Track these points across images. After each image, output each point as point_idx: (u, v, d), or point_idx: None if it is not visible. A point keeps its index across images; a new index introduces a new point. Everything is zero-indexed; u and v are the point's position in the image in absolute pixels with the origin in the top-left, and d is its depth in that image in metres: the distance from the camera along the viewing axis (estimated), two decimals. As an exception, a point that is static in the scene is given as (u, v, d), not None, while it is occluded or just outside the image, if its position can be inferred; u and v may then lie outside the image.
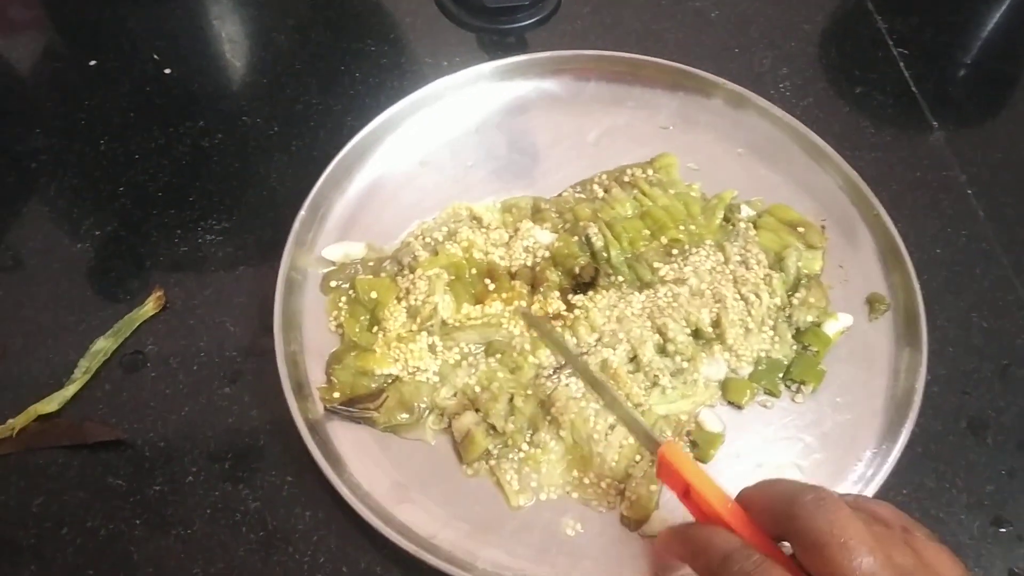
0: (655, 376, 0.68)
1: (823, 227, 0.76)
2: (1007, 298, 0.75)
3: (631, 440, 0.66)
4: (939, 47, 0.92)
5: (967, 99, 0.88)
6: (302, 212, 0.73)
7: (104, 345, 0.70)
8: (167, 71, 0.86)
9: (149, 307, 0.72)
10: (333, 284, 0.73)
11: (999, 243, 0.78)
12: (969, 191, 0.81)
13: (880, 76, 0.89)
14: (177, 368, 0.70)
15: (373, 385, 0.68)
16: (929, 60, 0.90)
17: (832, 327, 0.71)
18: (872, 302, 0.73)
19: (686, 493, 0.54)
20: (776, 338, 0.71)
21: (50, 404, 0.67)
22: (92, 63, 0.86)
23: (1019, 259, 0.78)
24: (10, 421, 0.66)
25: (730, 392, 0.69)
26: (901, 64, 0.90)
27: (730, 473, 0.66)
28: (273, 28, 0.90)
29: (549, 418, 0.67)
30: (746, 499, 0.51)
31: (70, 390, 0.68)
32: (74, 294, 0.73)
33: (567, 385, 0.68)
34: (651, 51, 0.87)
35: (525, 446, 0.66)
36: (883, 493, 0.64)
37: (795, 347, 0.71)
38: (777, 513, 0.48)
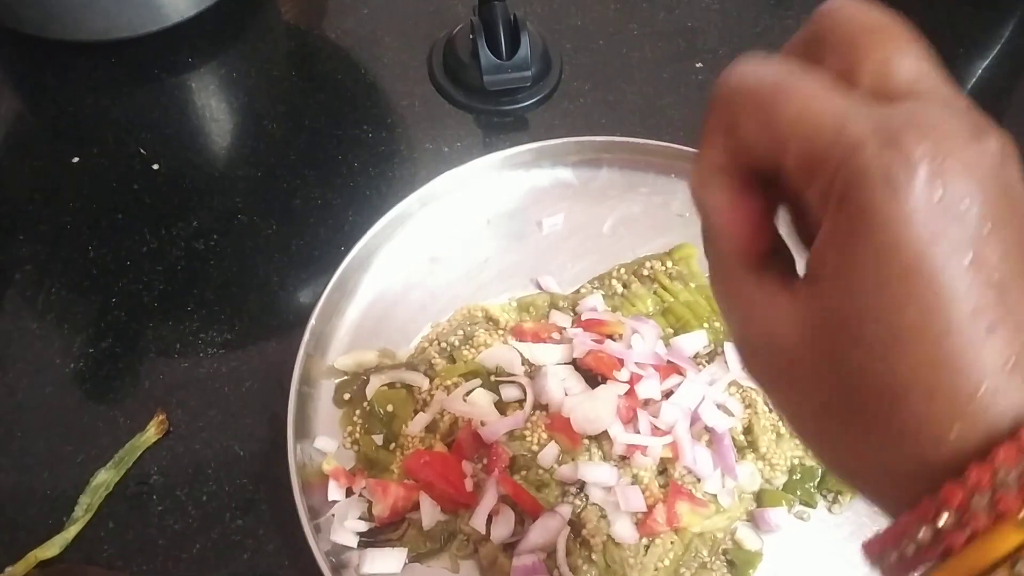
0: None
1: (849, 320, 0.74)
2: None
3: (667, 562, 0.64)
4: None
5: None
6: (312, 322, 0.69)
7: (106, 478, 0.66)
8: (155, 166, 0.81)
9: (151, 432, 0.68)
10: (347, 396, 0.70)
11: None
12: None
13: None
14: (185, 500, 0.66)
15: (394, 510, 0.65)
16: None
17: (866, 430, 0.69)
18: (905, 401, 0.71)
19: None
20: (809, 443, 0.68)
21: (51, 548, 0.63)
22: (75, 160, 0.82)
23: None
24: (8, 570, 0.62)
25: (765, 504, 0.66)
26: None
27: (773, 596, 0.63)
28: (264, 115, 0.86)
29: (580, 540, 0.64)
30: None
31: (71, 531, 0.63)
32: (70, 421, 0.68)
33: (595, 504, 0.65)
34: (657, 130, 0.85)
35: (556, 572, 0.63)
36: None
37: (830, 452, 0.68)
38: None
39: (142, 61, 0.88)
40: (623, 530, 0.64)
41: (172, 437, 0.68)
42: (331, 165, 0.83)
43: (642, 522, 0.64)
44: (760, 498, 0.67)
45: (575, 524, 0.64)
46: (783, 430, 0.68)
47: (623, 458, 0.66)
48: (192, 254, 0.77)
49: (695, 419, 0.67)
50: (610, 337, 0.70)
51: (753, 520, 0.66)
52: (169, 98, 0.87)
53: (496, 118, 0.88)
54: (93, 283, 0.75)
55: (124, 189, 0.80)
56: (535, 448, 0.66)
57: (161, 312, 0.74)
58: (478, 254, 0.77)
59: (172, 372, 0.71)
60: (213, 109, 0.87)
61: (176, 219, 0.78)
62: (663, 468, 0.67)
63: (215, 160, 0.84)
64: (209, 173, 0.82)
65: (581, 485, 0.66)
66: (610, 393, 0.66)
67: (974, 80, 0.92)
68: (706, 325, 0.73)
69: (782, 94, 0.28)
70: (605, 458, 0.66)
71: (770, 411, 0.68)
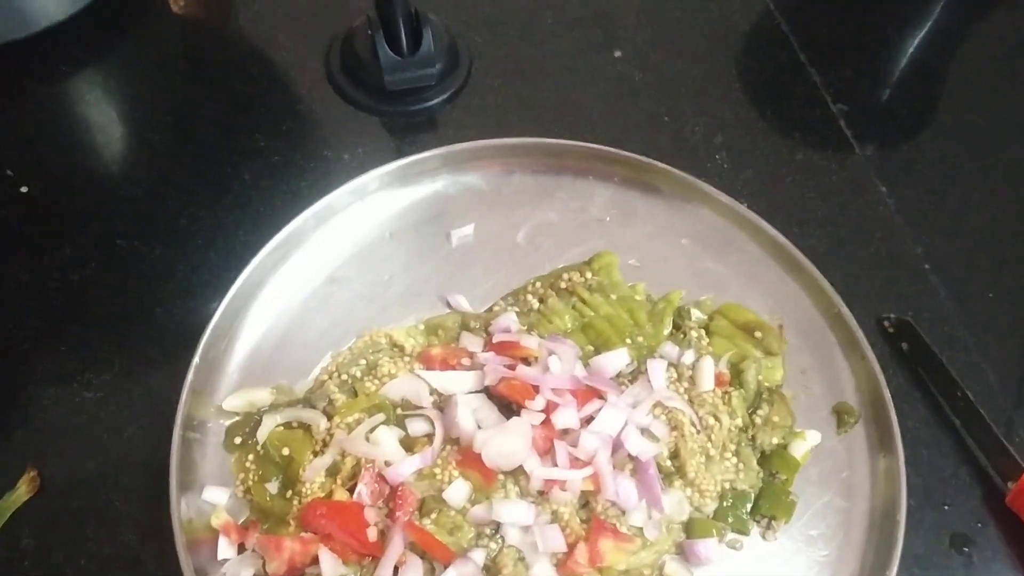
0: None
1: (781, 328, 0.69)
2: (976, 388, 0.69)
3: (587, 610, 0.59)
4: (879, 101, 0.86)
5: (914, 159, 0.82)
6: (196, 359, 0.63)
7: (-31, 546, 0.60)
8: (24, 189, 0.74)
9: (22, 491, 0.62)
10: (238, 440, 0.64)
11: (963, 325, 0.73)
12: (926, 266, 0.76)
13: (821, 138, 0.83)
14: (62, 564, 0.60)
15: (293, 564, 0.59)
16: (870, 117, 0.84)
17: (799, 448, 0.65)
18: (840, 414, 0.67)
19: None
20: (740, 465, 0.64)
21: (-93, 631, 0.57)
22: (-69, 186, 0.74)
23: (985, 342, 0.72)
24: None
25: (695, 534, 0.62)
26: (841, 122, 0.83)
27: (705, 636, 0.59)
28: (147, 126, 0.79)
29: (496, 587, 0.59)
30: None
31: (-69, 610, 0.58)
32: (-72, 483, 0.62)
33: (511, 546, 0.60)
34: (575, 127, 0.79)
35: (471, 622, 0.58)
36: (871, 639, 0.58)
37: (761, 474, 0.64)
38: None
39: (7, 71, 0.80)
40: (542, 573, 0.59)
41: (46, 494, 0.62)
42: (221, 179, 0.76)
43: (562, 563, 0.59)
44: (689, 528, 0.62)
45: (490, 569, 0.59)
46: (712, 451, 0.64)
47: (541, 494, 0.61)
48: (68, 286, 0.70)
49: (617, 446, 0.62)
50: (524, 360, 0.65)
51: (682, 553, 0.61)
52: (39, 112, 0.79)
53: (401, 120, 0.81)
54: (-44, 325, 0.68)
55: (-11, 216, 0.73)
56: (446, 487, 0.61)
57: (35, 353, 0.67)
58: (381, 272, 0.71)
59: (46, 421, 0.65)
60: (90, 122, 0.80)
61: (50, 247, 0.72)
62: (584, 502, 0.62)
63: (92, 179, 0.77)
64: (85, 194, 0.75)
65: (497, 526, 0.61)
66: (524, 424, 0.61)
67: (905, 60, 0.87)
68: (628, 341, 0.68)
69: None
70: (522, 495, 0.61)
71: (698, 432, 0.64)
